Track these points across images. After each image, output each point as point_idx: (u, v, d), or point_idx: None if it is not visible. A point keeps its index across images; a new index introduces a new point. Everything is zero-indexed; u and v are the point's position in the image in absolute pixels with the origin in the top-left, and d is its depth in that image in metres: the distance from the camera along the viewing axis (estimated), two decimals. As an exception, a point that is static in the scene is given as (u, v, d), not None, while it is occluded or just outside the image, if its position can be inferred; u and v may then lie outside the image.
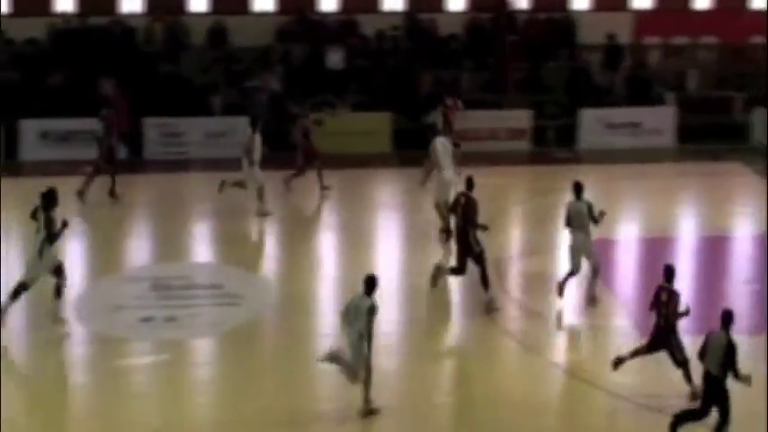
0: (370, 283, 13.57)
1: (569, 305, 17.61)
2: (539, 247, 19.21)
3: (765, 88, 26.32)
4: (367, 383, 13.59)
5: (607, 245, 19.66)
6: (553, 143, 24.96)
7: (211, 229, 20.64)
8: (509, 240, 19.99)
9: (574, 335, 16.65)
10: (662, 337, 14.46)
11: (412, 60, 25.67)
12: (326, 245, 20.06)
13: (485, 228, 17.00)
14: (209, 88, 25.10)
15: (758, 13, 27.19)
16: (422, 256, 19.05)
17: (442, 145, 19.58)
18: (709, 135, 24.70)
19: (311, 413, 14.18)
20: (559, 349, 16.18)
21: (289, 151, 23.86)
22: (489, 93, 25.73)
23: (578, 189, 16.76)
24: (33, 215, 15.93)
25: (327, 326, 16.51)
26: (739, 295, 17.95)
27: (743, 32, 27.42)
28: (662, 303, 14.38)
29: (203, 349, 15.92)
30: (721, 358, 12.86)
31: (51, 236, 15.68)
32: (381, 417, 14.12)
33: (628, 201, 22.00)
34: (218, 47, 25.99)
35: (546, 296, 17.66)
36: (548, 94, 25.65)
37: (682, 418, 13.40)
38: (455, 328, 16.80)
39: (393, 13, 26.99)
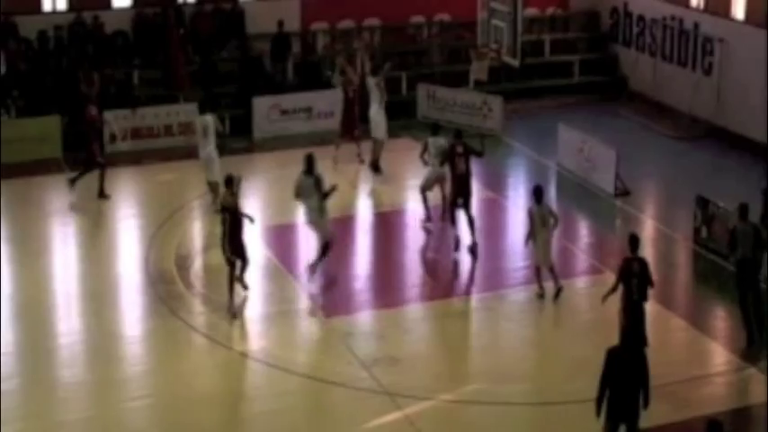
0: (539, 192, 16.85)
1: (252, 294, 17.84)
2: (218, 240, 19.21)
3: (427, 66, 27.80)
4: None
5: (283, 230, 20.02)
6: (228, 134, 25.01)
7: None
8: (189, 235, 19.94)
9: (259, 323, 16.80)
10: (641, 312, 14.34)
11: (78, 60, 24.93)
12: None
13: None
14: None
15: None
16: (99, 261, 18.68)
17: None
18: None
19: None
20: (247, 338, 16.32)
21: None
22: (161, 88, 25.41)
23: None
24: (318, 183, 17.60)
25: (2, 344, 15.88)
26: (418, 264, 18.84)
27: (403, 13, 28.52)
28: (633, 274, 14.29)
29: None
30: (753, 243, 15.51)
31: (324, 194, 17.42)
32: (72, 429, 13.84)
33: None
34: None
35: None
36: (221, 86, 25.64)
37: (750, 331, 15.54)
38: (139, 330, 16.56)
39: (55, 13, 26.08)
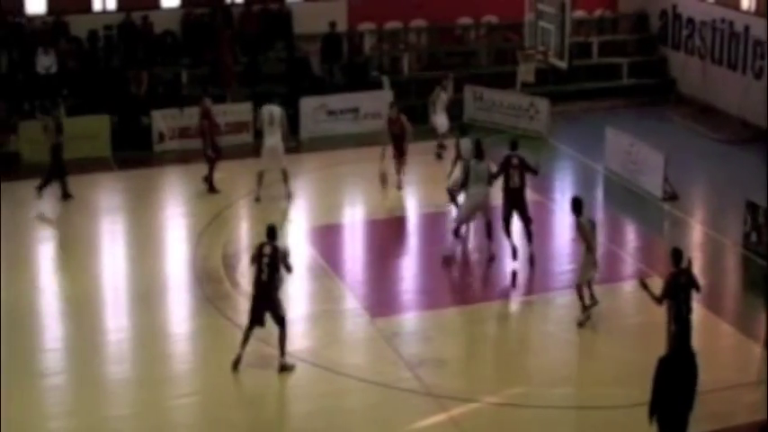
0: (579, 204, 16.22)
1: (298, 294, 17.89)
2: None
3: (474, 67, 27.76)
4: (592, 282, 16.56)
5: (329, 230, 20.04)
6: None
7: None
8: (236, 234, 20.02)
9: (305, 323, 16.84)
10: (688, 325, 13.66)
11: (127, 60, 25.18)
12: (46, 256, 19.34)
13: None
14: None
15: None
16: (148, 259, 18.82)
17: None
18: (425, 115, 25.45)
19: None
20: (292, 338, 16.24)
21: (1, 163, 22.96)
22: (209, 87, 25.51)
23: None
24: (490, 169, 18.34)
25: (51, 340, 16.08)
26: (465, 266, 18.77)
27: (450, 14, 28.48)
28: (681, 288, 13.65)
29: None
30: None
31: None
32: (118, 425, 13.98)
33: (350, 184, 22.50)
34: None
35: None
36: (267, 86, 25.75)
37: None
38: (185, 328, 16.63)
39: (105, 13, 26.35)
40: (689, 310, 13.88)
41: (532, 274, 18.08)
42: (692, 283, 13.93)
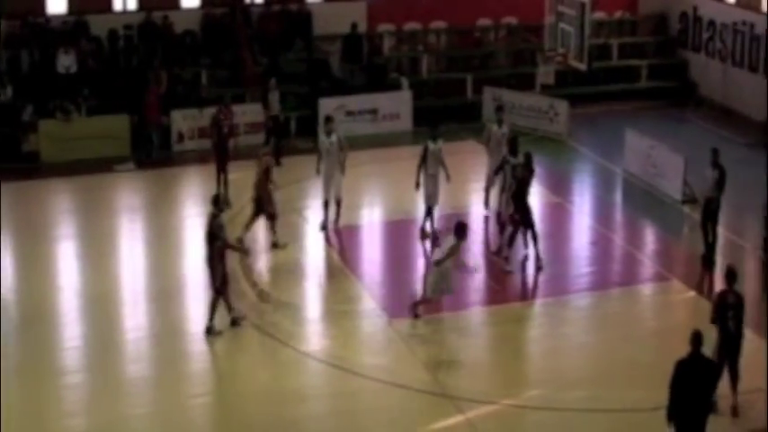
0: (462, 229, 16.27)
1: (316, 294, 17.91)
2: (283, 238, 19.28)
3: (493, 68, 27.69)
4: None
5: (350, 230, 20.05)
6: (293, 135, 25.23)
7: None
8: (253, 233, 19.98)
9: (322, 323, 16.87)
10: (736, 346, 13.66)
11: (147, 60, 25.25)
12: (65, 254, 19.41)
13: None
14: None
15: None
16: (166, 258, 18.88)
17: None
18: (444, 116, 25.45)
19: (60, 429, 13.88)
20: (309, 338, 16.34)
21: (21, 162, 23.09)
22: (228, 88, 25.58)
23: None
24: None
25: (70, 338, 16.16)
26: (481, 268, 18.74)
27: (470, 15, 28.44)
28: (729, 307, 13.55)
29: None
30: None
31: None
32: (135, 424, 14.04)
33: (369, 186, 22.47)
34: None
35: (293, 287, 17.86)
36: (287, 87, 25.75)
37: None
38: (202, 328, 16.58)
39: (125, 13, 26.44)
40: (739, 332, 13.71)
41: (548, 277, 18.03)
42: (741, 305, 13.72)
